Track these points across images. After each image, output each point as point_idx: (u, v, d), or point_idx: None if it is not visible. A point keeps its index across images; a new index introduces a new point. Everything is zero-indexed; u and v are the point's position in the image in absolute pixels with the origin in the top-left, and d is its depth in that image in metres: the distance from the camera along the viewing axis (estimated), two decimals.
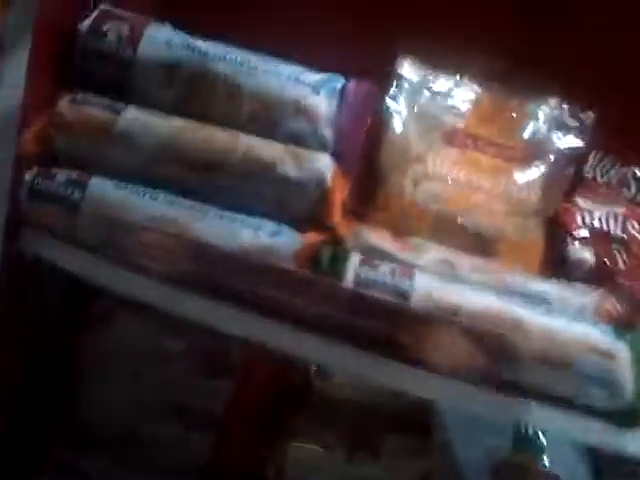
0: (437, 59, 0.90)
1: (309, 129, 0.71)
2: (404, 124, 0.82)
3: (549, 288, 0.70)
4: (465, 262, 0.71)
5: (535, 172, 0.80)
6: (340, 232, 0.68)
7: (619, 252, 0.77)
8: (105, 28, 0.71)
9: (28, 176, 0.67)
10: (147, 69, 0.70)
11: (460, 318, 0.59)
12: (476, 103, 0.86)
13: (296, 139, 0.70)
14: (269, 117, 0.71)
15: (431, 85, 0.87)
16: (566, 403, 0.62)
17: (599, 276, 0.74)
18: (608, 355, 0.61)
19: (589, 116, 0.82)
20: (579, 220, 0.78)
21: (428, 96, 0.87)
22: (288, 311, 0.62)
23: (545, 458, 0.83)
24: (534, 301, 0.66)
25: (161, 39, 0.71)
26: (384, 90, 0.86)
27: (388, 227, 0.76)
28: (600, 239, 0.77)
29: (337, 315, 0.61)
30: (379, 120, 0.80)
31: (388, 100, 0.84)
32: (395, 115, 0.83)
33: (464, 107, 0.85)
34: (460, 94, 0.87)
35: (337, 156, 0.71)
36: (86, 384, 0.78)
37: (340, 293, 0.61)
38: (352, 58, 0.90)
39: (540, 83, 0.86)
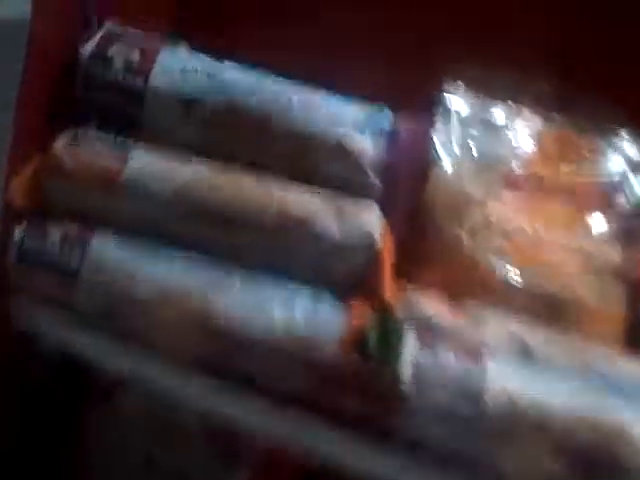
0: (490, 87, 0.79)
1: (352, 174, 0.59)
2: (457, 163, 0.71)
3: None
4: (537, 336, 0.60)
5: (613, 222, 0.68)
6: (390, 302, 0.56)
7: None
8: (111, 53, 0.59)
9: (17, 233, 0.56)
10: (160, 102, 0.59)
11: (547, 429, 0.47)
12: (538, 137, 0.74)
13: (337, 186, 0.59)
14: (306, 160, 0.59)
15: (485, 117, 0.76)
16: None
17: None
18: None
19: None
20: None
21: (482, 130, 0.76)
22: (327, 409, 0.50)
23: None
24: (627, 391, 0.54)
25: (177, 66, 0.59)
26: (432, 124, 0.75)
27: (441, 288, 0.65)
28: None
29: (386, 418, 0.50)
30: (428, 158, 0.69)
31: (437, 135, 0.73)
32: (445, 152, 0.71)
33: (525, 142, 0.73)
34: (519, 127, 0.75)
35: (384, 205, 0.60)
36: (90, 475, 0.66)
37: (394, 391, 0.49)
38: (396, 87, 0.80)
39: (606, 111, 0.75)
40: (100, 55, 0.59)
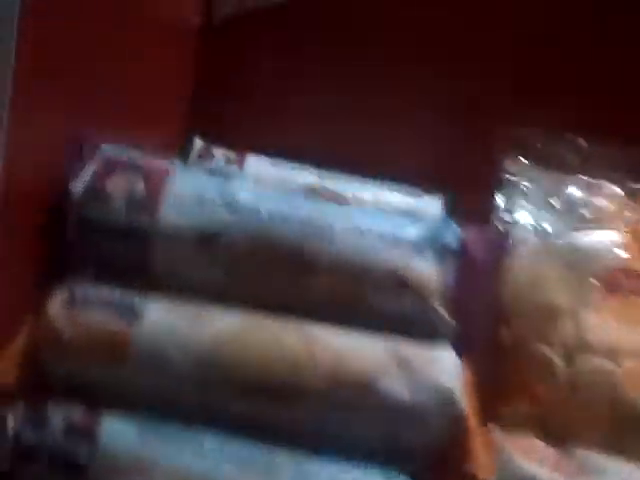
0: (558, 157, 0.68)
1: (415, 309, 0.48)
2: (532, 261, 0.59)
3: None
4: None
5: None
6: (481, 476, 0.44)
7: None
8: (109, 187, 0.48)
9: (10, 423, 0.45)
10: (172, 241, 0.48)
11: None
12: (628, 220, 0.62)
13: (397, 326, 0.47)
14: (355, 297, 0.48)
15: (559, 196, 0.65)
16: None
17: None
18: None
19: None
20: None
21: (559, 214, 0.64)
22: None
23: None
24: None
25: (191, 194, 0.48)
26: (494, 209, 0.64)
27: (535, 425, 0.52)
28: None
29: None
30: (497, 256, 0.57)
31: (505, 226, 0.61)
32: (517, 246, 0.59)
33: (615, 227, 0.61)
34: (603, 206, 0.63)
35: (458, 343, 0.48)
36: None
37: None
38: (447, 164, 0.69)
39: None
40: (96, 192, 0.48)
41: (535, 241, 0.61)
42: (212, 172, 0.63)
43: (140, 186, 0.48)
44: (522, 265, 0.58)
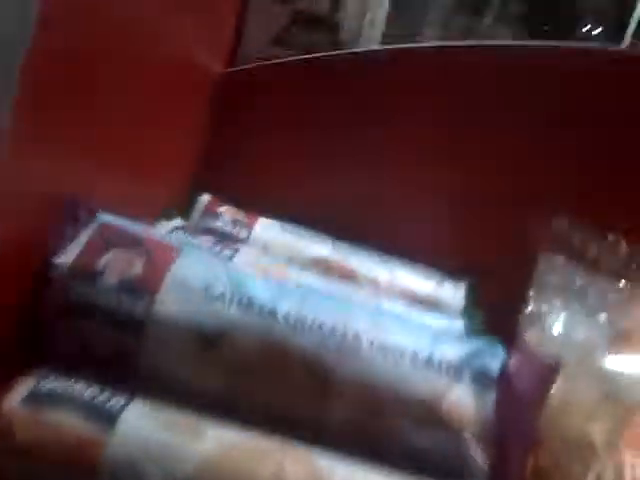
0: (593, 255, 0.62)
1: (446, 446, 0.40)
2: (565, 383, 0.52)
3: None
4: None
5: None
6: None
7: None
8: (102, 264, 0.41)
9: None
10: (169, 336, 0.40)
11: None
12: None
13: (423, 464, 0.40)
14: (377, 426, 0.40)
15: (598, 299, 0.59)
16: None
17: None
18: None
19: None
20: None
21: (597, 320, 0.57)
22: None
23: None
24: None
25: (197, 283, 0.41)
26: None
27: None
28: None
29: None
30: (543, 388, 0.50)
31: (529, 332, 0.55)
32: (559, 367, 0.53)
33: None
34: None
35: None
36: None
37: None
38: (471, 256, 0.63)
39: None
40: (86, 268, 0.41)
41: (568, 355, 0.54)
42: (219, 236, 0.56)
43: (138, 267, 0.41)
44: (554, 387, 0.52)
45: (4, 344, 0.39)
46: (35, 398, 0.38)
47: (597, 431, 0.50)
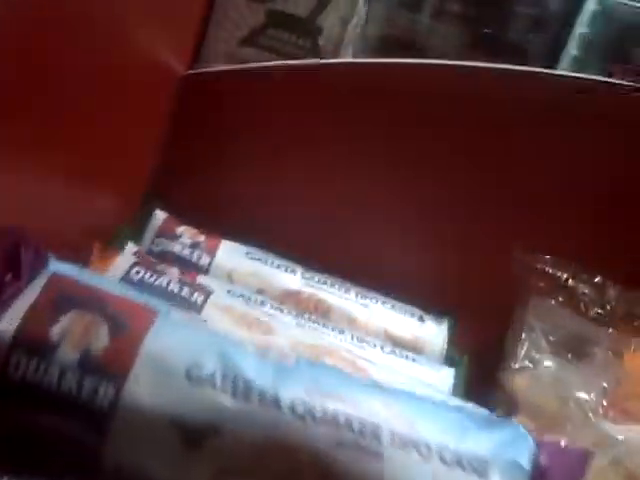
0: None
1: None
2: None
3: None
4: None
5: None
6: None
7: None
8: (56, 333, 0.31)
9: None
10: (140, 431, 0.31)
11: None
12: None
13: None
14: None
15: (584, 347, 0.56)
16: None
17: None
18: None
19: None
20: None
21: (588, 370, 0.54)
22: None
23: None
24: None
25: (177, 360, 0.32)
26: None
27: None
28: None
29: None
30: None
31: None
32: None
33: None
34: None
35: None
36: None
37: None
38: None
39: None
40: (34, 339, 0.31)
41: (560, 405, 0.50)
42: (177, 262, 0.48)
43: (103, 338, 0.32)
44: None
45: None
46: None
47: None
